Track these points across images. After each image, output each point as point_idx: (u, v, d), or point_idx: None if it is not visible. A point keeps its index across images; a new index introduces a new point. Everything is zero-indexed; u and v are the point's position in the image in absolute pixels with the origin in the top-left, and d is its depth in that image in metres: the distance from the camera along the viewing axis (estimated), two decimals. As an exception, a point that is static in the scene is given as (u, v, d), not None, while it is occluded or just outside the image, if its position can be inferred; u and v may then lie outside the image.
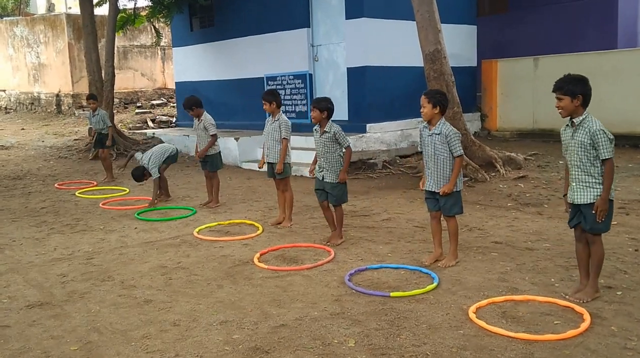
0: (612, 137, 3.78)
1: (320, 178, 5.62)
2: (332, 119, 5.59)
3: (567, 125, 3.94)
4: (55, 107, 19.66)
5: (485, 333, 3.48)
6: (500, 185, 8.08)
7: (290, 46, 11.75)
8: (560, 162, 9.01)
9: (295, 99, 11.83)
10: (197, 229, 6.30)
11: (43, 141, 14.91)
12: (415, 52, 9.18)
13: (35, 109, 20.64)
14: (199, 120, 7.45)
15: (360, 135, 10.25)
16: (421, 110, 4.73)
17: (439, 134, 4.70)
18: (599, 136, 3.73)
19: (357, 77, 10.67)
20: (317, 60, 11.46)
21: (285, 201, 6.47)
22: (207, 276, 4.79)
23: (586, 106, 3.84)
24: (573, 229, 4.05)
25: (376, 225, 6.31)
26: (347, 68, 10.81)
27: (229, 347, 3.45)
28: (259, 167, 6.74)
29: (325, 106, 5.50)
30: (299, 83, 11.69)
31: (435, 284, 4.29)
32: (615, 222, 5.82)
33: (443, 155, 4.71)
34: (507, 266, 4.73)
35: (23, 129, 17.35)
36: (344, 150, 5.54)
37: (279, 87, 12.08)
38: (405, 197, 7.74)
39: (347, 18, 10.66)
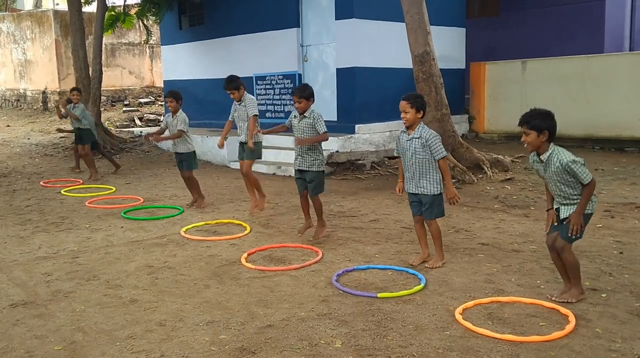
0: (583, 161, 3.82)
1: (297, 166, 5.66)
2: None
3: (535, 160, 4.00)
4: (41, 104, 19.43)
5: (471, 335, 3.50)
6: (487, 187, 8.13)
7: (279, 46, 11.72)
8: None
9: (284, 99, 11.81)
10: (184, 229, 6.27)
11: (29, 138, 14.74)
12: (404, 54, 9.20)
13: (21, 105, 20.39)
14: (173, 117, 7.37)
15: (349, 136, 10.25)
16: (402, 116, 4.64)
17: (418, 138, 4.65)
18: (572, 167, 3.77)
19: (347, 77, 10.67)
20: (307, 60, 11.44)
21: (250, 185, 6.81)
22: (193, 276, 4.77)
23: (552, 141, 3.89)
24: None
25: (364, 226, 6.31)
26: (337, 69, 10.80)
27: (216, 347, 3.43)
28: (219, 147, 7.00)
29: (310, 93, 5.52)
30: (288, 83, 11.67)
31: (422, 285, 4.31)
32: (600, 225, 5.89)
33: (424, 158, 4.68)
34: (493, 268, 4.75)
35: (8, 125, 17.14)
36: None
37: (267, 86, 12.05)
38: (393, 198, 7.75)
39: (337, 18, 10.66)
